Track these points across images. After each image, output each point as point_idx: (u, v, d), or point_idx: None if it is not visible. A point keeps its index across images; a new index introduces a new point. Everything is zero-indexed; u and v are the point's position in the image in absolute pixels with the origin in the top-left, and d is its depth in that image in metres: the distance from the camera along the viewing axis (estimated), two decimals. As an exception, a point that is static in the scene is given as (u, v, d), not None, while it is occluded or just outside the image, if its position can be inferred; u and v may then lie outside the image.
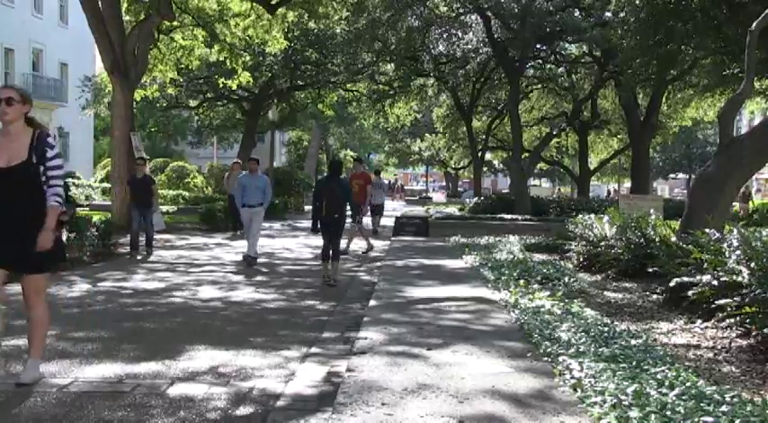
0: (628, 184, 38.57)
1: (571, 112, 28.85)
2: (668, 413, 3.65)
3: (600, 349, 5.06)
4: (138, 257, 12.38)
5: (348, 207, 10.23)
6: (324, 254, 9.88)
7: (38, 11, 35.00)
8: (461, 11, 25.26)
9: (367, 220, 15.52)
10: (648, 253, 9.09)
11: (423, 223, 19.16)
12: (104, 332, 6.30)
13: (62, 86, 36.08)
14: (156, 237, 14.07)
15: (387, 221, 20.73)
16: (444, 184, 77.97)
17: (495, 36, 24.13)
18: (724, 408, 3.75)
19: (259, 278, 10.18)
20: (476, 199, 27.61)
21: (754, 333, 5.65)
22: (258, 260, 11.92)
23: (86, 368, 5.06)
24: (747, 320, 5.74)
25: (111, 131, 18.77)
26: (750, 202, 24.82)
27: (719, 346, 5.76)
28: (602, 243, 10.46)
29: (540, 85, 30.82)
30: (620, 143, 34.23)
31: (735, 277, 6.05)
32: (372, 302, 7.61)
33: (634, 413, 3.66)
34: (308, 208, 29.49)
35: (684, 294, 6.89)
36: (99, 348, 5.68)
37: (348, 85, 31.80)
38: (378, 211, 19.66)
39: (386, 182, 33.72)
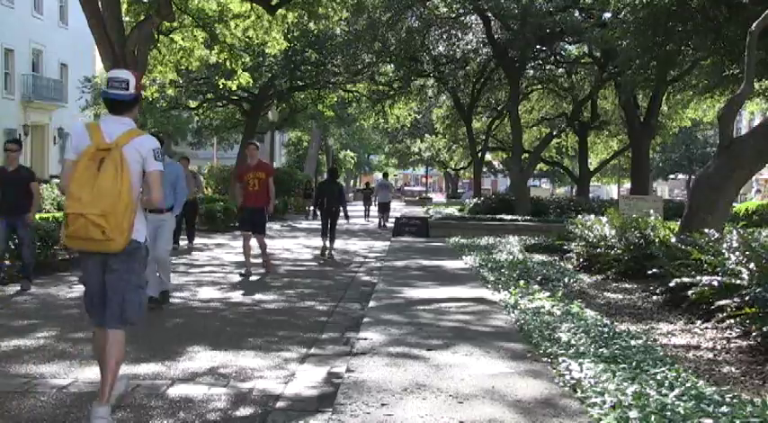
0: (628, 184, 38.57)
1: (571, 112, 28.84)
2: (668, 414, 3.65)
3: (600, 350, 5.06)
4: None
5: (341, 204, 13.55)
6: (323, 233, 13.46)
7: (38, 11, 34.98)
8: (461, 11, 25.25)
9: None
10: (648, 254, 9.09)
11: (422, 224, 19.18)
12: (104, 333, 6.29)
13: (62, 87, 36.07)
14: None
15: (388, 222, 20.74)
16: (442, 187, 78.08)
17: (495, 37, 24.13)
18: (724, 408, 3.75)
19: (259, 279, 10.17)
20: (475, 199, 27.63)
21: (753, 333, 5.65)
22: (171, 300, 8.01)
23: (86, 369, 5.05)
24: (747, 321, 5.74)
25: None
26: None
27: (719, 347, 5.75)
28: (602, 244, 10.46)
29: (539, 86, 30.82)
30: (620, 144, 34.23)
31: (734, 278, 6.05)
32: (372, 303, 7.61)
33: (634, 414, 3.66)
34: (311, 208, 29.56)
35: (684, 295, 6.89)
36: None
37: (348, 86, 31.80)
38: (384, 209, 24.47)
39: (392, 183, 34.06)
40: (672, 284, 7.11)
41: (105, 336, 3.94)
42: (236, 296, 8.60)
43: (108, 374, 3.86)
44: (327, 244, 13.40)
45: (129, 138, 3.93)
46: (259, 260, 10.74)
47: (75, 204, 3.74)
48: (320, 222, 13.85)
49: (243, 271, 10.37)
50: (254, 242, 10.59)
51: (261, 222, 10.48)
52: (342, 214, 13.79)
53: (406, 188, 73.63)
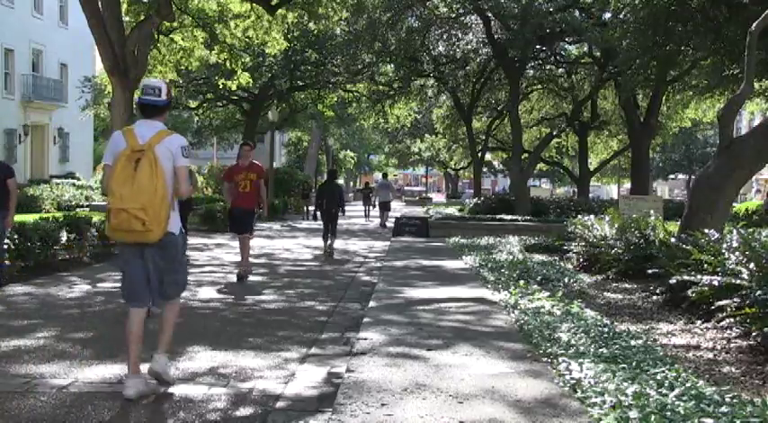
0: (628, 184, 38.58)
1: (571, 112, 28.85)
2: (668, 414, 3.65)
3: (600, 350, 5.06)
4: None
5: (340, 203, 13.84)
6: (324, 235, 13.71)
7: (38, 11, 34.98)
8: (461, 11, 25.26)
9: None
10: (648, 254, 9.10)
11: (422, 224, 19.19)
12: (104, 333, 6.30)
13: (62, 87, 36.07)
14: None
15: (388, 222, 20.73)
16: (441, 187, 78.08)
17: (495, 37, 24.13)
18: (724, 408, 3.75)
19: (259, 279, 10.17)
20: (476, 199, 27.64)
21: (753, 334, 5.65)
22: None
23: (86, 369, 5.05)
24: (747, 321, 5.74)
25: (111, 132, 18.75)
26: None
27: (719, 347, 5.75)
28: (602, 244, 10.46)
29: (539, 86, 30.84)
30: (620, 144, 34.24)
31: (734, 278, 6.05)
32: (372, 303, 7.61)
33: (634, 414, 3.66)
34: (311, 208, 29.54)
35: (684, 295, 6.90)
36: (99, 349, 5.67)
37: (348, 86, 31.81)
38: (385, 208, 24.54)
39: (393, 183, 34.12)
40: (672, 284, 7.12)
41: (142, 320, 4.51)
42: (236, 296, 8.59)
43: (166, 329, 4.62)
44: (328, 243, 13.70)
45: (160, 138, 4.40)
46: (258, 260, 10.76)
47: (117, 201, 4.22)
48: (320, 223, 14.12)
49: (246, 277, 10.02)
50: (253, 242, 10.50)
51: (249, 222, 10.16)
52: (341, 214, 14.04)
53: (406, 188, 73.63)
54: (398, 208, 36.59)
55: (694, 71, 18.69)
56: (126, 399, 4.27)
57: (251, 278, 10.07)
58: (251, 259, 10.50)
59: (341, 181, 54.89)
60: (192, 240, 16.20)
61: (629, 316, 7.15)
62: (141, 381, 4.38)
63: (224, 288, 9.25)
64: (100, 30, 16.21)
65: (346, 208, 14.72)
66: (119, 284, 9.15)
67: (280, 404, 4.32)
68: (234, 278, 10.05)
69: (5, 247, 9.14)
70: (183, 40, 20.40)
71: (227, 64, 20.82)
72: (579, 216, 12.96)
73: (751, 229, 9.11)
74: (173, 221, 4.41)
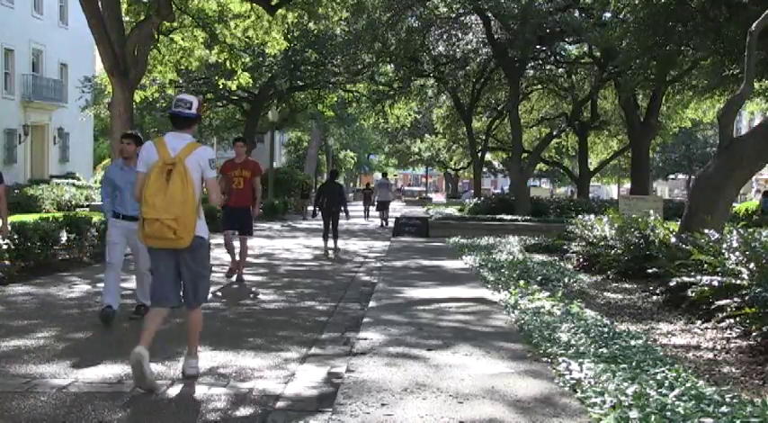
0: (628, 184, 38.58)
1: (571, 112, 28.86)
2: (668, 414, 3.65)
3: (600, 350, 5.07)
4: None
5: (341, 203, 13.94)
6: (324, 235, 13.83)
7: (38, 11, 34.98)
8: (461, 11, 25.27)
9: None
10: (648, 254, 9.10)
11: (422, 224, 19.20)
12: (104, 333, 6.30)
13: (62, 87, 36.08)
14: None
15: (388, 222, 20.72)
16: (440, 187, 78.04)
17: (495, 37, 24.14)
18: (724, 408, 3.75)
19: (258, 279, 10.17)
20: (475, 199, 27.64)
21: (753, 333, 5.65)
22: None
23: (86, 369, 5.05)
24: (747, 321, 5.74)
25: (110, 132, 18.76)
26: None
27: (719, 347, 5.76)
28: (602, 244, 10.47)
29: (539, 86, 30.84)
30: (620, 144, 34.26)
31: (734, 278, 6.05)
32: (372, 303, 7.61)
33: (634, 414, 3.66)
34: (310, 208, 29.56)
35: (684, 295, 6.90)
36: (99, 349, 5.68)
37: (348, 86, 31.82)
38: (383, 207, 24.82)
39: (392, 182, 34.14)
40: (672, 284, 7.12)
41: (162, 318, 4.84)
42: (236, 296, 8.59)
43: (193, 341, 4.92)
44: (330, 244, 13.85)
45: (189, 151, 4.71)
46: (258, 260, 10.74)
47: (150, 211, 4.56)
48: (320, 222, 14.26)
49: (231, 276, 9.70)
50: (253, 242, 10.41)
51: (248, 222, 9.84)
52: (342, 213, 14.05)
53: (405, 188, 73.60)
54: (398, 208, 36.59)
55: (694, 71, 18.69)
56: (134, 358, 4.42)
57: (251, 278, 10.07)
58: (250, 259, 10.48)
59: (341, 181, 54.83)
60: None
61: (629, 316, 7.15)
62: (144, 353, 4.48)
63: (224, 288, 9.24)
64: (100, 30, 16.21)
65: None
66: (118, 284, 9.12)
67: (280, 404, 4.32)
68: (234, 278, 10.04)
69: (5, 247, 9.15)
70: (183, 40, 20.40)
71: (227, 64, 20.81)
72: (579, 216, 12.96)
73: (751, 229, 9.11)
74: (200, 226, 4.77)
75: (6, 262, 9.27)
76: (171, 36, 20.24)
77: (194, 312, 4.94)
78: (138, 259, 6.88)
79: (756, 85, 16.22)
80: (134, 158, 6.54)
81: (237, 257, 9.82)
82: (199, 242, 4.79)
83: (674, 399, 3.88)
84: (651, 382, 4.23)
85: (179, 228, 4.57)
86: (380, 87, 30.87)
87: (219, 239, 15.47)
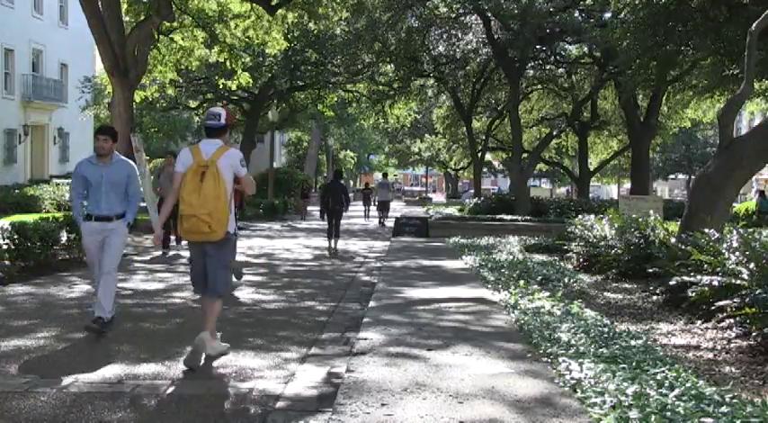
0: (628, 184, 38.59)
1: (571, 112, 28.87)
2: (668, 414, 3.65)
3: (600, 350, 5.06)
4: None
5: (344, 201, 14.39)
6: (329, 233, 14.30)
7: (38, 11, 34.98)
8: (461, 11, 25.28)
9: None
10: (648, 254, 9.10)
11: (422, 224, 19.19)
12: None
13: (62, 87, 36.08)
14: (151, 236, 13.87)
15: (388, 222, 20.74)
16: (439, 187, 78.00)
17: (495, 37, 24.14)
18: (724, 408, 3.75)
19: (258, 279, 10.17)
20: (476, 199, 27.65)
21: (754, 334, 5.65)
22: (109, 318, 6.21)
23: (86, 369, 5.05)
24: (747, 321, 5.74)
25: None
26: None
27: (719, 347, 5.75)
28: (602, 244, 10.46)
29: (539, 86, 30.86)
30: (620, 144, 34.27)
31: (734, 278, 6.05)
32: (372, 303, 7.61)
33: (634, 414, 3.66)
34: (309, 208, 29.59)
35: (684, 295, 6.90)
36: (99, 349, 5.67)
37: (348, 86, 31.82)
38: (383, 207, 25.09)
39: (392, 183, 34.17)
40: (672, 284, 7.12)
41: (205, 300, 5.47)
42: (236, 296, 8.59)
43: (209, 319, 5.41)
44: (332, 244, 14.29)
45: (221, 153, 5.27)
46: (258, 260, 10.73)
47: (188, 208, 5.10)
48: (323, 222, 14.72)
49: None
50: (253, 242, 10.39)
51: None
52: (345, 210, 14.65)
53: (406, 188, 73.59)
54: (398, 208, 36.59)
55: (694, 71, 18.69)
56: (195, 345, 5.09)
57: (251, 278, 10.07)
58: (250, 259, 10.45)
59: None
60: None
61: (629, 316, 7.15)
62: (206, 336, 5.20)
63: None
64: (100, 30, 16.21)
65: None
66: (119, 285, 9.15)
67: (280, 404, 4.32)
68: (232, 278, 10.02)
69: (5, 247, 9.15)
70: (182, 40, 20.40)
71: (227, 64, 20.82)
72: (579, 216, 12.96)
73: (751, 229, 9.12)
74: (231, 223, 5.27)
75: (6, 262, 9.27)
76: (171, 36, 20.25)
77: (212, 301, 5.40)
78: (102, 258, 6.23)
79: (756, 85, 16.22)
80: (110, 155, 6.35)
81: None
82: (228, 237, 5.29)
83: (674, 399, 3.88)
84: (651, 382, 4.23)
85: (213, 222, 5.08)
86: (380, 87, 30.87)
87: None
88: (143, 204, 15.51)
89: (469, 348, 5.41)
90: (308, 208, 29.84)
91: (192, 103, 32.43)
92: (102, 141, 6.35)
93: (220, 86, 25.25)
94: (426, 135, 48.35)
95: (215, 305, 5.43)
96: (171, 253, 12.47)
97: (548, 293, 7.61)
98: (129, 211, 6.43)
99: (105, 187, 6.28)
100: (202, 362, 5.18)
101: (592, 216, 12.44)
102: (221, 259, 5.34)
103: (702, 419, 3.59)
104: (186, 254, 12.22)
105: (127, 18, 18.54)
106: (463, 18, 26.13)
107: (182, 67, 22.07)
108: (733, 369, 5.08)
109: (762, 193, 24.20)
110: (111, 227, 6.30)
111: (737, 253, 6.40)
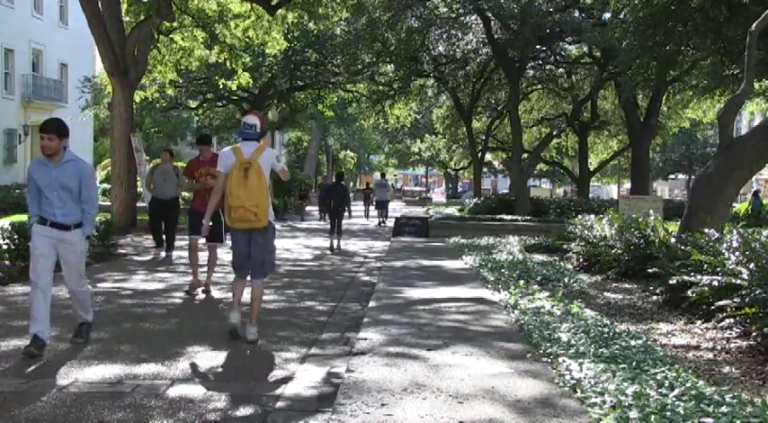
0: (628, 184, 38.58)
1: (571, 112, 28.87)
2: (668, 414, 3.65)
3: (600, 350, 5.07)
4: None
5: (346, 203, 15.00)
6: (331, 232, 14.86)
7: (38, 11, 34.99)
8: (461, 11, 25.28)
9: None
10: (648, 254, 9.10)
11: (422, 224, 19.19)
12: (104, 333, 6.30)
13: (62, 87, 36.07)
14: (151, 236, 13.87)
15: (388, 221, 20.72)
16: (440, 187, 77.99)
17: (495, 37, 24.15)
18: (724, 408, 3.75)
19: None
20: (476, 199, 27.65)
21: (753, 334, 5.65)
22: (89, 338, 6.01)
23: (86, 369, 5.05)
24: (747, 321, 5.74)
25: (110, 132, 18.77)
26: None
27: (719, 347, 5.75)
28: (602, 244, 10.46)
29: (539, 86, 30.85)
30: (620, 144, 34.28)
31: (734, 278, 6.05)
32: (372, 303, 7.61)
33: (634, 414, 3.66)
34: (308, 208, 29.59)
35: (684, 295, 6.90)
36: (99, 349, 5.67)
37: (348, 86, 31.81)
38: (382, 207, 25.15)
39: (390, 183, 34.16)
40: (672, 284, 7.12)
41: (244, 284, 6.26)
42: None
43: (255, 306, 6.19)
44: (334, 242, 14.74)
45: (259, 153, 6.00)
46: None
47: (236, 200, 5.79)
48: (325, 222, 15.23)
49: (193, 291, 8.43)
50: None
51: (218, 229, 8.00)
52: (346, 213, 15.11)
53: (405, 188, 73.55)
54: (398, 208, 36.58)
55: (694, 71, 18.70)
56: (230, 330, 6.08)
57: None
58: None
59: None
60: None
61: (629, 316, 7.15)
62: (238, 314, 6.16)
63: (224, 288, 9.23)
64: (100, 30, 16.22)
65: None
66: (119, 285, 9.14)
67: (280, 404, 4.32)
68: (232, 278, 10.00)
69: (5, 247, 9.13)
70: (182, 40, 20.41)
71: (227, 64, 20.84)
72: (579, 216, 12.96)
73: (751, 230, 9.12)
74: (271, 213, 5.97)
75: (6, 262, 9.26)
76: (171, 36, 20.26)
77: (258, 283, 6.16)
78: (66, 275, 5.78)
79: (756, 85, 16.22)
80: (59, 154, 5.43)
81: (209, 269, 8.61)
82: (270, 225, 6.01)
83: (674, 399, 3.88)
84: (651, 382, 4.23)
85: (259, 211, 5.79)
86: (380, 87, 30.87)
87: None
88: (143, 204, 15.50)
89: (469, 348, 5.41)
90: (307, 208, 29.83)
91: (192, 103, 32.43)
92: (47, 140, 5.37)
93: (220, 86, 25.26)
94: (426, 135, 48.32)
95: (260, 289, 6.22)
96: (163, 255, 12.31)
97: (548, 293, 7.61)
98: (86, 220, 5.60)
99: (57, 191, 5.45)
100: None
101: (592, 216, 12.44)
102: (268, 244, 6.07)
103: (702, 419, 3.59)
104: (183, 253, 12.25)
105: (127, 18, 18.55)
106: (463, 18, 26.13)
107: (182, 68, 22.08)
108: (733, 369, 5.08)
109: (756, 193, 24.23)
110: (67, 238, 5.59)
111: (737, 253, 6.40)
